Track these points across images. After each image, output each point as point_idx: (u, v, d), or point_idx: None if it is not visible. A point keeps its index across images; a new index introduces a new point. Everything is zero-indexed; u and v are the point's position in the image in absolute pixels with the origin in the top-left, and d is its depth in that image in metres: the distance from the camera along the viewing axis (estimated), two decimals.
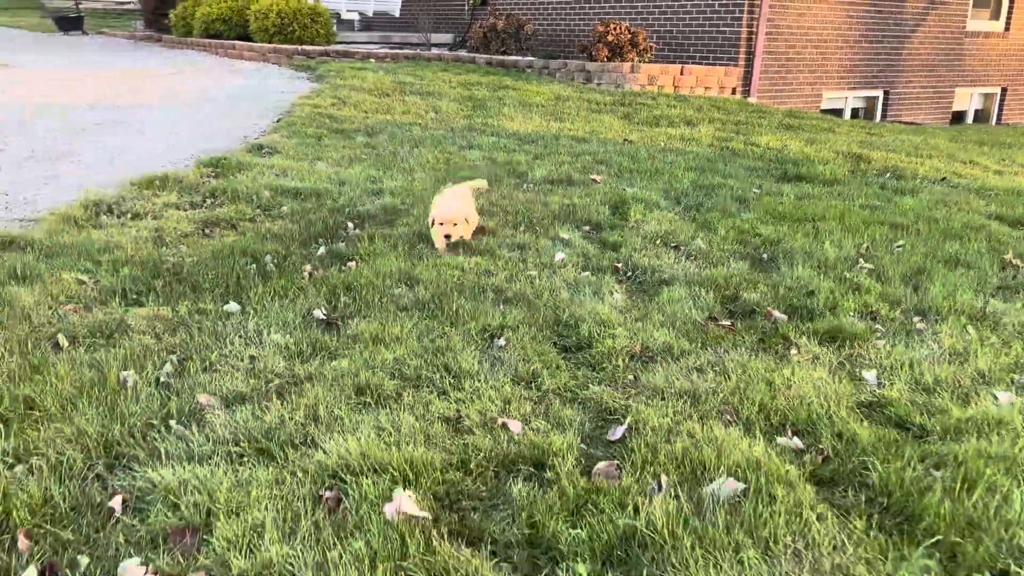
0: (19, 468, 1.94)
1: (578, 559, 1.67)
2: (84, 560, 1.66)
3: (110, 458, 2.02)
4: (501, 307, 3.08)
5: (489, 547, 1.73)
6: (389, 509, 1.78)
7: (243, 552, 1.68)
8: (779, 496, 1.85)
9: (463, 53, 11.97)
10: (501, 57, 11.19)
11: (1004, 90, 14.24)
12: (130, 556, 1.67)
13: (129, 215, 4.12)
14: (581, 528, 1.75)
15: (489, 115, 7.73)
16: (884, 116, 12.24)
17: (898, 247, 4.08)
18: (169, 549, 1.70)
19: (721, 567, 1.64)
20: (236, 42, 12.69)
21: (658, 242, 4.07)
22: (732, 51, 10.42)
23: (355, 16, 16.13)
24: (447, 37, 14.37)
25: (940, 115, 13.25)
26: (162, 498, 1.85)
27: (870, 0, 11.42)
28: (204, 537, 1.74)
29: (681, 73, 10.24)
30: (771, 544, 1.72)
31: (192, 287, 3.17)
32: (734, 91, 10.51)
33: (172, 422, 2.18)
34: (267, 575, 1.62)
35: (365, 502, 1.82)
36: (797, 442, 2.17)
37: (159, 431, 2.13)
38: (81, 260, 3.37)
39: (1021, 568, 1.66)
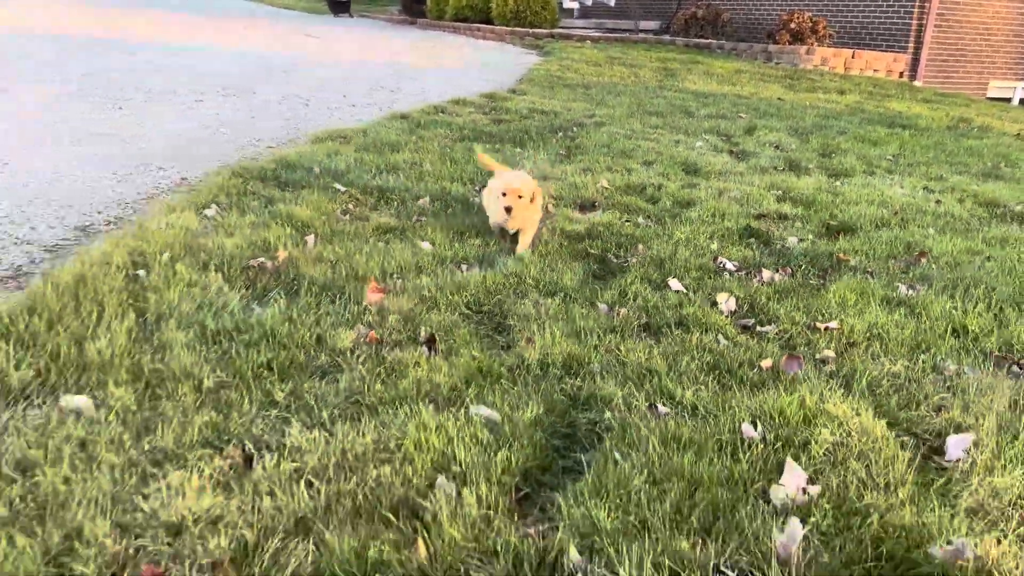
0: (435, 188, 5.27)
1: (666, 202, 4.73)
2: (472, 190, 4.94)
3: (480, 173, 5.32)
4: (655, 156, 6.15)
5: (637, 197, 4.82)
6: (596, 186, 4.94)
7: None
8: (756, 196, 4.80)
9: (665, 37, 14.96)
10: (697, 40, 14.06)
11: None
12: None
13: (453, 114, 7.60)
14: (669, 197, 4.81)
15: (676, 80, 10.72)
16: None
17: (927, 156, 6.65)
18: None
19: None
20: (480, 25, 16.51)
21: (766, 144, 6.92)
22: (902, 40, 12.60)
23: (575, 5, 19.63)
24: (654, 24, 17.39)
25: None
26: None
27: None
28: None
29: (852, 57, 12.59)
30: (744, 206, 4.69)
31: (499, 139, 6.51)
32: (901, 75, 12.68)
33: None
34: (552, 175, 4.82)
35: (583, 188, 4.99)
36: (779, 192, 5.07)
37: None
38: (441, 125, 6.83)
39: (847, 221, 4.50)
